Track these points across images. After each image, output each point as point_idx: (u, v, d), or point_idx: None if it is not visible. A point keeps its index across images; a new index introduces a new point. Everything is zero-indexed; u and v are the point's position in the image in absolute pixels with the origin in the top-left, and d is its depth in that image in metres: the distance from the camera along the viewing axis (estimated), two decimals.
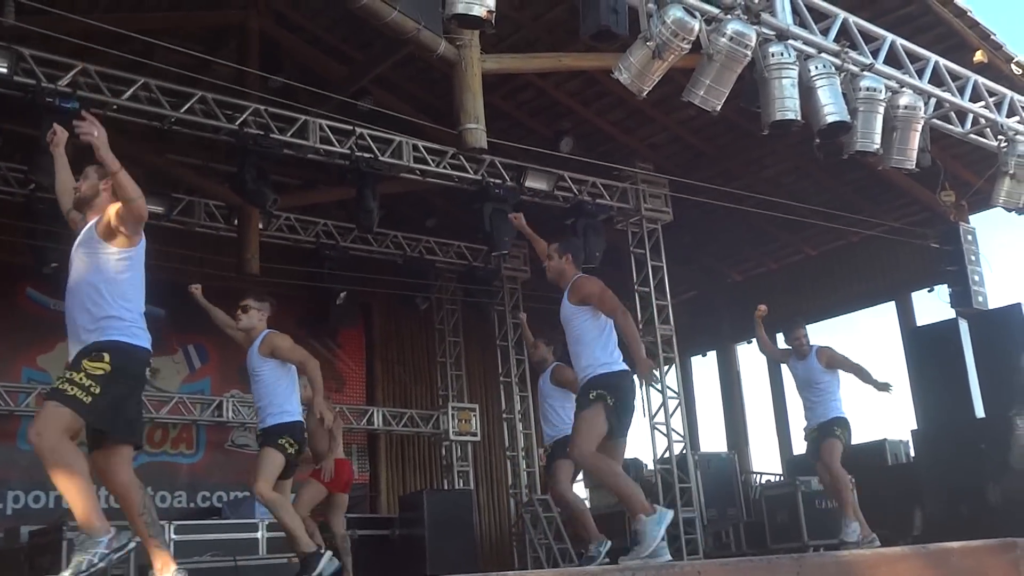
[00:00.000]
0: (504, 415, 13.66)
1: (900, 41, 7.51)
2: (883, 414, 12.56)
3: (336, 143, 10.01)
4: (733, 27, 5.87)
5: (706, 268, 14.65)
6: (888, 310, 13.11)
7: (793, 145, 11.44)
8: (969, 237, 11.42)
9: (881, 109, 6.85)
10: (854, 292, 13.18)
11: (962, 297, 11.21)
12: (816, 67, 6.45)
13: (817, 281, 13.52)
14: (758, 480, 13.30)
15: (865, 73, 6.85)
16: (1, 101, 8.86)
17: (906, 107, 7.07)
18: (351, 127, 10.06)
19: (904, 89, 7.20)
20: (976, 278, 11.27)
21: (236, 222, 11.13)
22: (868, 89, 6.78)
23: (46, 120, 8.01)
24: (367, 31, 10.46)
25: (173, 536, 9.31)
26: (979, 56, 9.61)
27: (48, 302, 11.64)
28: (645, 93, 5.91)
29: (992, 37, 9.86)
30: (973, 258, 11.36)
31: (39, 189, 9.37)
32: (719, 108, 6.05)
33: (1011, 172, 8.11)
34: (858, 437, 12.31)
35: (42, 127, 8.02)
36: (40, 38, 7.91)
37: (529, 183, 11.12)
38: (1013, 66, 9.93)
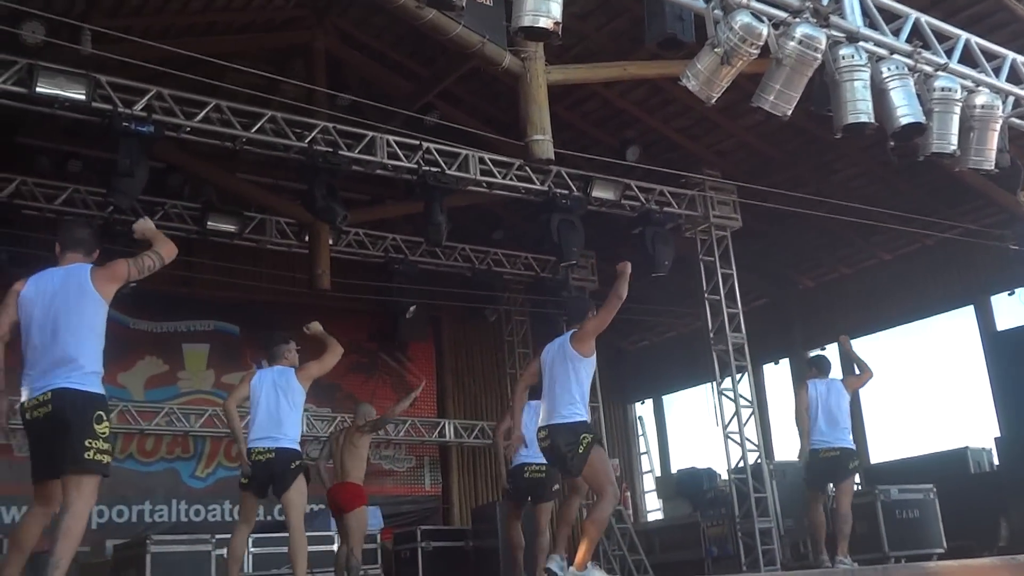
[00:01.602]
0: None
1: (975, 39, 7.33)
2: (964, 421, 12.16)
3: (403, 158, 10.10)
4: (802, 30, 5.78)
5: (777, 275, 14.44)
6: (967, 314, 12.77)
7: (864, 148, 11.26)
8: None
9: (957, 109, 6.68)
10: (931, 296, 12.87)
11: None
12: (888, 68, 6.32)
13: (892, 286, 13.24)
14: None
15: (939, 73, 6.69)
16: (79, 127, 9.16)
17: (983, 106, 6.89)
18: (418, 142, 10.15)
19: (980, 88, 7.01)
20: None
21: (307, 239, 11.31)
22: (943, 89, 6.62)
23: (123, 144, 8.26)
24: (431, 46, 10.58)
25: (251, 548, 9.50)
26: None
27: (128, 321, 11.96)
28: (714, 100, 5.85)
29: None
30: None
31: (117, 211, 9.62)
32: (789, 113, 5.97)
33: None
34: (938, 445, 12.10)
35: (119, 151, 8.26)
36: (116, 65, 8.13)
37: (596, 193, 11.09)
38: None
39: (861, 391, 13.79)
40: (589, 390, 6.12)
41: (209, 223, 10.77)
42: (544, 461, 6.98)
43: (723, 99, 6.68)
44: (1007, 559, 6.77)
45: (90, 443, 4.30)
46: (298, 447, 6.76)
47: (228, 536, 9.60)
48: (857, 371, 8.85)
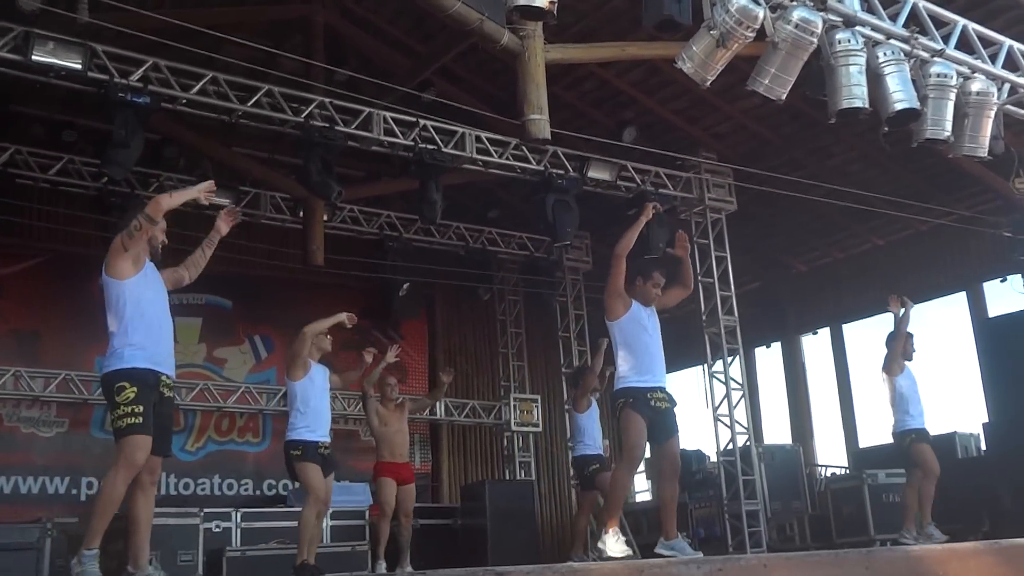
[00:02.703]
0: (566, 406, 13.65)
1: (972, 25, 7.33)
2: (953, 406, 12.21)
3: (400, 135, 10.08)
4: (799, 14, 5.78)
5: (771, 258, 14.46)
6: (959, 300, 12.82)
7: (860, 133, 11.26)
8: None
9: (952, 95, 6.69)
10: (923, 282, 12.88)
11: None
12: (884, 53, 6.32)
13: (885, 271, 13.26)
14: (823, 473, 13.15)
15: (935, 59, 6.70)
16: (75, 96, 9.12)
17: (978, 93, 6.90)
18: (415, 119, 10.12)
19: (976, 75, 7.02)
20: None
21: (301, 214, 11.30)
22: (939, 75, 6.63)
23: (119, 115, 8.23)
24: (430, 23, 10.54)
25: (241, 523, 9.55)
26: None
27: None
28: (709, 83, 5.85)
29: None
30: None
31: (111, 183, 9.61)
32: (784, 97, 5.97)
33: None
34: (928, 430, 12.15)
35: (115, 121, 8.23)
36: (113, 34, 8.09)
37: (592, 173, 11.09)
38: None
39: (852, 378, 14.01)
40: (630, 353, 5.95)
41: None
42: None
43: (720, 81, 6.68)
44: (991, 543, 6.80)
45: (113, 412, 4.72)
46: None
47: (217, 510, 9.74)
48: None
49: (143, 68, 8.61)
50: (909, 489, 8.31)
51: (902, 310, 8.51)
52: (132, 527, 4.93)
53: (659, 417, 5.89)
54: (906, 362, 8.50)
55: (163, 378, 4.86)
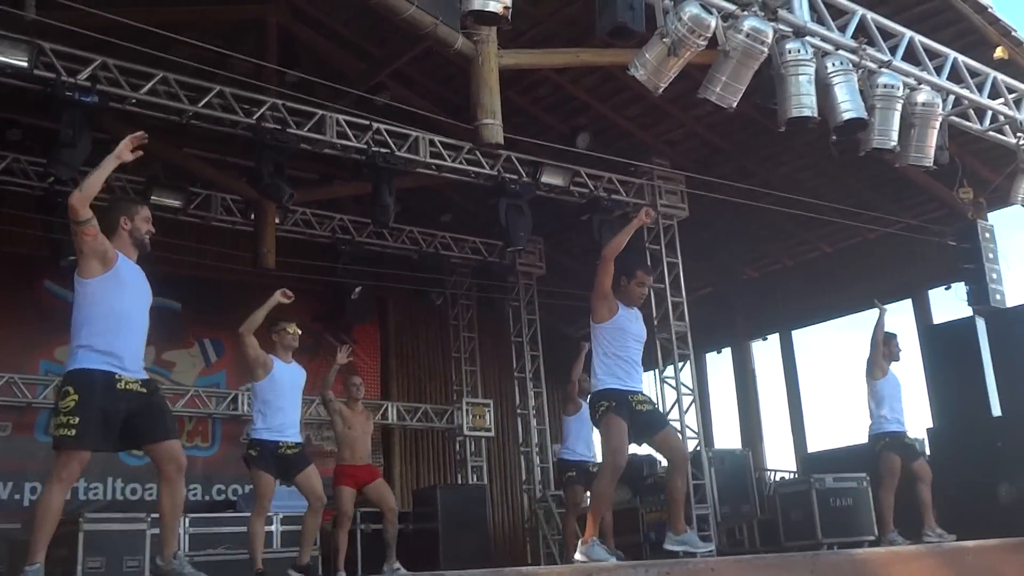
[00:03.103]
0: (518, 411, 13.70)
1: (919, 38, 7.47)
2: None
3: (353, 138, 10.04)
4: (750, 23, 5.85)
5: (722, 264, 14.59)
6: (905, 307, 13.04)
7: (810, 142, 11.41)
8: (987, 235, 11.31)
9: (899, 106, 6.82)
10: (870, 289, 12.97)
11: (979, 295, 11.10)
12: (833, 64, 6.43)
13: (833, 278, 13.47)
14: (772, 477, 13.28)
15: (883, 70, 6.82)
16: (21, 95, 8.95)
17: (924, 104, 7.04)
18: (368, 122, 10.08)
19: (922, 86, 7.16)
20: (994, 276, 11.17)
21: (252, 216, 11.20)
22: (886, 86, 6.75)
23: (66, 114, 8.10)
24: (384, 26, 10.49)
25: (189, 528, 9.42)
26: (999, 52, 9.54)
27: (66, 294, 11.67)
28: (661, 90, 5.90)
29: (1013, 33, 9.77)
30: (991, 256, 11.25)
31: (57, 182, 9.43)
32: (735, 105, 6.04)
33: None
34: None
35: (62, 120, 8.10)
36: (60, 32, 7.95)
37: (545, 179, 11.13)
38: None
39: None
40: (613, 357, 5.87)
41: (153, 197, 10.57)
42: None
43: (674, 89, 6.74)
44: (933, 546, 6.95)
45: (54, 419, 4.61)
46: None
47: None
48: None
49: (91, 67, 8.48)
50: (880, 492, 8.35)
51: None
52: (160, 519, 4.84)
53: (643, 417, 5.85)
54: (892, 364, 8.51)
55: (121, 376, 4.65)
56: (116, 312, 4.66)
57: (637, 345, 5.97)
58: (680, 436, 6.09)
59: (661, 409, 11.57)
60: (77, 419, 4.43)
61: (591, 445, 9.48)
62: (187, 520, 9.46)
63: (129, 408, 4.63)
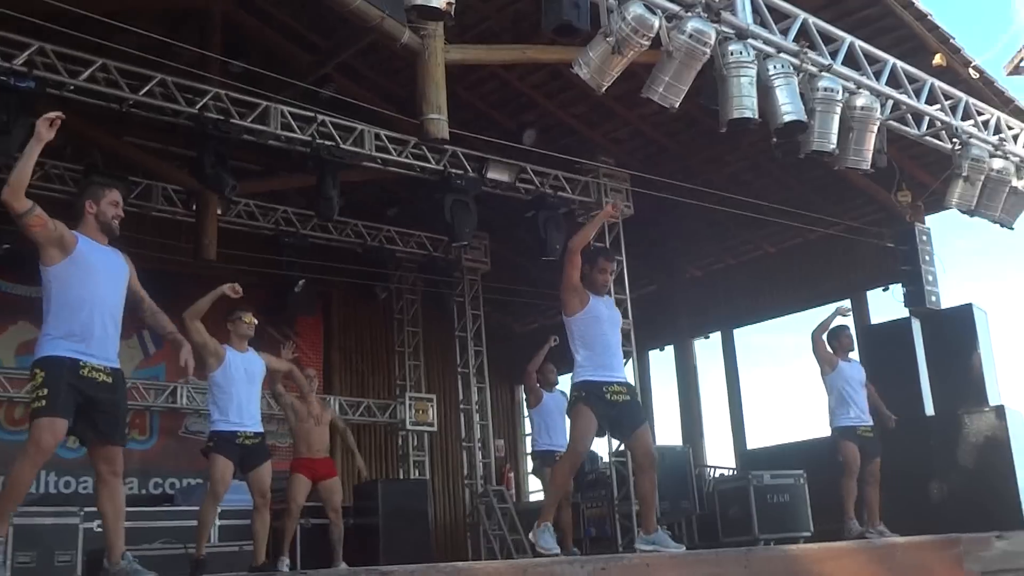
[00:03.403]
0: (461, 406, 13.69)
1: (859, 43, 7.59)
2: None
3: (297, 130, 9.94)
4: (693, 25, 5.90)
5: (666, 263, 14.72)
6: None
7: (754, 143, 11.52)
8: (924, 237, 11.56)
9: (838, 110, 6.92)
10: (811, 290, 13.32)
11: (916, 296, 11.34)
12: (775, 67, 6.51)
13: (775, 278, 13.66)
14: (712, 474, 13.42)
15: (823, 74, 6.92)
16: None
17: (863, 108, 7.15)
18: (313, 114, 10.00)
19: (861, 90, 7.28)
20: (930, 278, 11.42)
21: (194, 207, 11.04)
22: (826, 89, 6.85)
23: (1, 99, 7.92)
24: (331, 18, 10.41)
25: (124, 523, 9.26)
26: (938, 59, 9.73)
27: (1, 284, 11.53)
28: (604, 89, 5.93)
29: (951, 41, 9.98)
30: (927, 258, 11.50)
31: None
32: (677, 105, 6.09)
33: (964, 175, 8.24)
34: (811, 432, 12.54)
35: None
36: None
37: (491, 175, 11.11)
38: (971, 70, 10.08)
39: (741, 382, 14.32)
40: (586, 347, 5.91)
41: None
42: None
43: (620, 88, 6.78)
44: (864, 543, 7.06)
45: (30, 404, 4.61)
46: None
47: (94, 509, 9.41)
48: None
49: (28, 52, 8.30)
50: (842, 480, 8.44)
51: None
52: (102, 522, 4.84)
53: (617, 411, 5.86)
54: (846, 358, 8.62)
55: (85, 363, 4.58)
56: (80, 298, 4.60)
57: (613, 330, 6.03)
58: (652, 436, 6.08)
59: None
60: (47, 390, 4.44)
61: (559, 434, 9.39)
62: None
63: (90, 397, 4.58)
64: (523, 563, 5.20)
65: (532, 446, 9.68)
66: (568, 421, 9.29)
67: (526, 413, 16.71)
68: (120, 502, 4.85)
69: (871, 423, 8.58)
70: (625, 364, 11.68)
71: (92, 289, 4.64)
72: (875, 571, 6.14)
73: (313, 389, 8.79)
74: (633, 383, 11.76)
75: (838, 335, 8.66)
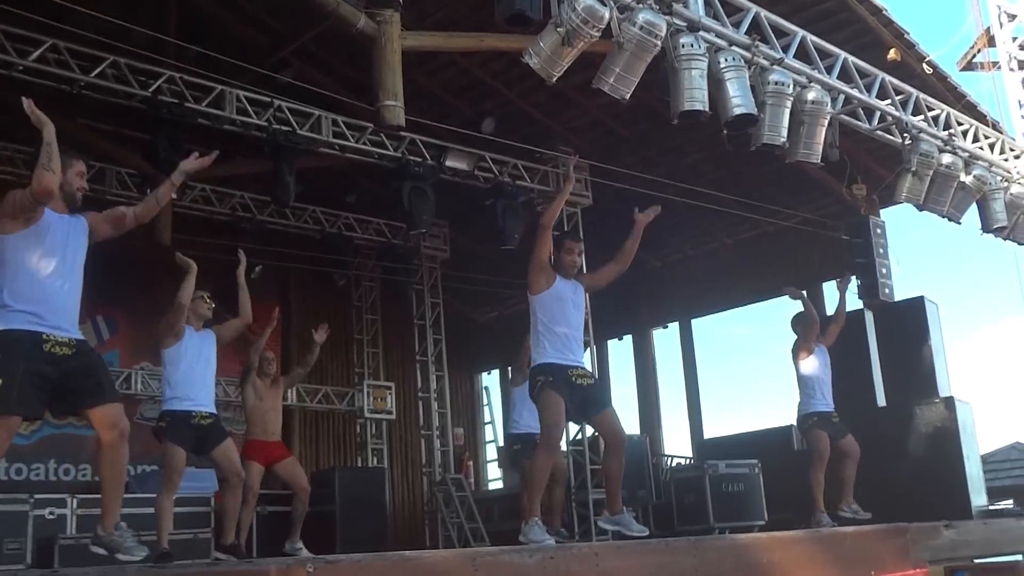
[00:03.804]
0: (420, 394, 13.66)
1: (811, 37, 7.64)
2: (791, 400, 12.76)
3: (253, 115, 9.86)
4: (644, 16, 5.91)
5: None
6: None
7: (712, 134, 11.42)
8: (878, 231, 11.66)
9: (789, 103, 6.96)
10: (768, 281, 13.40)
11: (870, 289, 11.44)
12: (725, 59, 6.53)
13: (732, 269, 13.76)
14: (669, 463, 13.53)
15: (774, 67, 6.95)
16: None
17: (813, 102, 7.20)
18: (270, 99, 9.92)
19: (812, 84, 7.33)
20: (884, 271, 11.52)
21: (149, 191, 10.90)
22: (776, 83, 6.88)
23: None
24: (289, 2, 10.32)
25: (76, 510, 9.19)
26: (892, 54, 9.84)
27: None
28: (555, 79, 5.94)
29: (905, 36, 10.08)
30: (882, 251, 11.60)
31: None
32: (628, 96, 6.10)
33: (913, 169, 8.33)
34: (766, 423, 12.67)
35: None
36: None
37: (449, 163, 11.09)
38: (924, 65, 10.19)
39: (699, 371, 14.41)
40: (549, 329, 5.87)
41: None
42: None
43: (579, 77, 6.77)
44: (812, 532, 7.16)
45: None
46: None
47: (50, 496, 9.33)
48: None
49: None
50: (811, 471, 8.45)
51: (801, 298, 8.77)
52: (101, 487, 4.68)
53: (583, 394, 5.83)
54: (818, 345, 8.66)
55: (48, 337, 4.41)
56: (44, 268, 4.50)
57: (577, 314, 6.00)
58: (618, 417, 6.08)
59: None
60: (0, 382, 4.24)
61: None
62: (75, 501, 9.25)
63: (61, 370, 4.42)
64: (471, 552, 5.21)
65: (509, 428, 9.52)
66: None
67: (486, 401, 16.83)
68: (121, 467, 4.69)
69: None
70: (584, 353, 11.84)
71: (58, 259, 4.55)
72: (823, 560, 6.23)
73: (271, 372, 8.72)
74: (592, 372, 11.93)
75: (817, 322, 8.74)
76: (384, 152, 10.75)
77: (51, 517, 9.05)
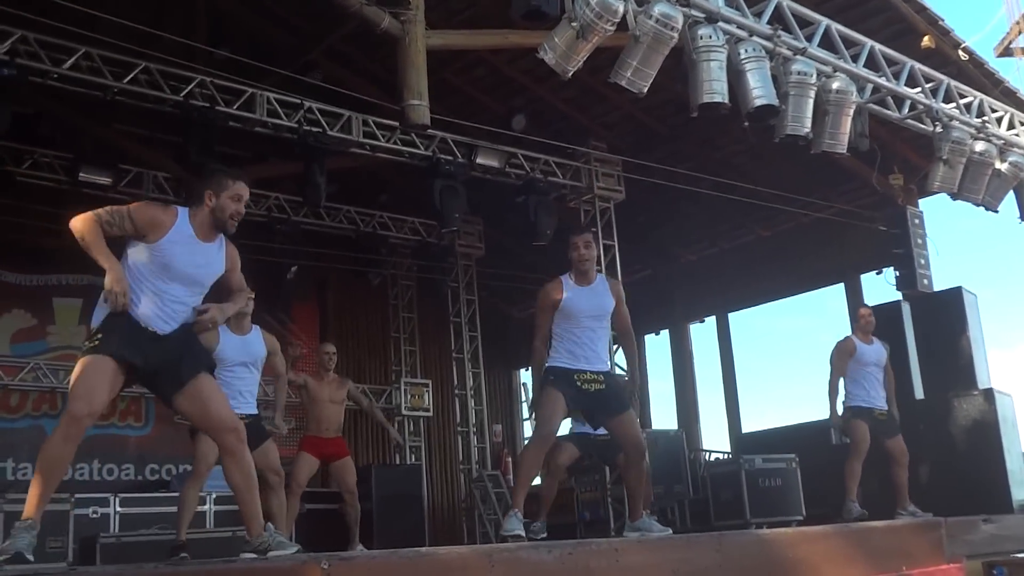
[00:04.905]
0: (456, 391, 13.72)
1: (836, 26, 7.53)
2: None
3: (284, 116, 9.96)
4: (660, 9, 5.86)
5: (660, 247, 14.68)
6: (838, 291, 13.23)
7: (744, 127, 11.46)
8: (916, 220, 11.49)
9: (812, 93, 6.87)
10: (805, 273, 13.29)
11: (908, 280, 11.29)
12: (745, 50, 6.46)
13: (769, 262, 13.61)
14: (706, 458, 13.43)
15: (797, 57, 6.87)
16: None
17: (838, 91, 7.09)
18: (299, 101, 10.01)
19: (837, 73, 7.22)
20: (922, 261, 11.36)
21: (184, 194, 11.07)
22: (799, 73, 6.80)
23: None
24: (315, 4, 10.38)
25: (119, 509, 9.36)
26: (927, 42, 9.67)
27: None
28: (570, 73, 5.91)
29: (940, 23, 9.91)
30: (920, 241, 11.44)
31: None
32: (645, 90, 6.06)
33: (945, 157, 8.18)
34: (804, 416, 12.53)
35: None
36: None
37: (480, 160, 11.12)
38: (960, 52, 10.00)
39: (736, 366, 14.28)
40: (560, 340, 5.88)
41: (81, 174, 10.42)
42: None
43: (609, 72, 6.67)
44: (841, 526, 7.06)
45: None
46: None
47: (94, 495, 9.49)
48: None
49: (10, 40, 8.33)
50: (847, 461, 8.37)
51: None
52: (235, 496, 4.52)
53: (590, 399, 5.81)
54: (867, 340, 8.51)
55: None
56: (141, 288, 4.39)
57: (591, 322, 5.89)
58: (637, 423, 6.02)
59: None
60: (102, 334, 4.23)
61: None
62: (118, 500, 9.42)
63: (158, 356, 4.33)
64: (488, 548, 5.23)
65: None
66: None
67: (524, 398, 16.82)
68: (249, 471, 4.45)
69: (886, 407, 8.47)
70: (617, 350, 11.77)
71: (158, 284, 4.35)
72: (852, 555, 6.15)
73: (331, 367, 8.69)
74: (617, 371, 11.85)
75: (856, 317, 8.66)
76: (415, 151, 10.80)
77: (95, 516, 9.24)
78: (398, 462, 13.54)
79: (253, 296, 7.04)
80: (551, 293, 5.95)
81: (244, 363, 6.91)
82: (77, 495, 9.03)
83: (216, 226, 4.52)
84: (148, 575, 3.64)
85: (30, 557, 3.89)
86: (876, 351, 8.58)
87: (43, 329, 12.06)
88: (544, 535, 6.38)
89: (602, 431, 6.69)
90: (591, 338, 5.91)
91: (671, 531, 6.04)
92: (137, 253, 4.36)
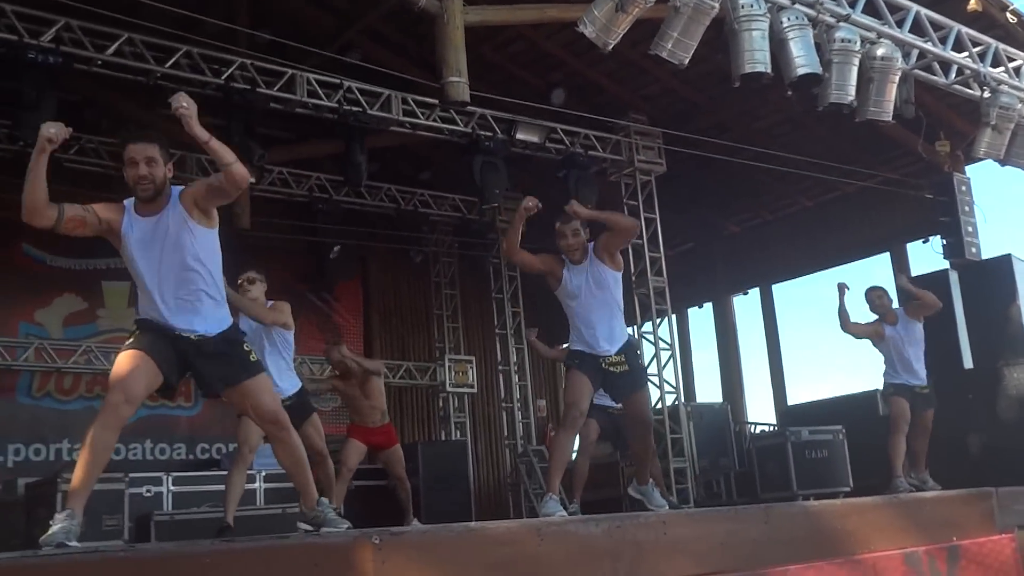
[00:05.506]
0: (500, 367, 13.77)
1: None
2: (875, 365, 12.53)
3: (324, 97, 10.01)
4: None
5: (702, 219, 14.59)
6: (883, 261, 13.09)
7: (786, 96, 11.32)
8: (963, 188, 11.32)
9: (856, 60, 6.77)
10: (850, 243, 13.14)
11: (955, 248, 11.14)
12: (788, 19, 6.39)
13: (813, 232, 13.49)
14: (752, 430, 13.39)
15: (840, 24, 6.78)
16: None
17: (883, 58, 6.99)
18: (339, 80, 10.05)
19: (881, 40, 7.11)
20: (969, 229, 11.20)
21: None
22: (843, 40, 6.70)
23: (27, 76, 8.07)
24: None
25: (171, 487, 9.52)
26: (973, 4, 9.47)
27: (44, 257, 11.80)
28: (611, 47, 5.88)
29: None
30: (967, 209, 11.27)
31: (28, 145, 9.40)
32: (687, 61, 6.02)
33: (993, 123, 8.03)
34: (851, 387, 12.43)
35: (24, 83, 8.07)
36: None
37: (520, 135, 11.11)
38: (1008, 14, 9.80)
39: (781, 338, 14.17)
40: (571, 322, 5.83)
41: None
42: None
43: (649, 44, 6.62)
44: (890, 497, 7.01)
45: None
46: None
47: (147, 474, 9.67)
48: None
49: (55, 28, 8.46)
50: (890, 437, 8.28)
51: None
52: (288, 475, 4.71)
53: (612, 379, 5.79)
54: (892, 320, 8.39)
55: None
56: (138, 281, 4.36)
57: (594, 302, 5.75)
58: (647, 401, 6.01)
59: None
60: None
61: None
62: (170, 479, 9.58)
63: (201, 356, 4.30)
64: (537, 522, 5.25)
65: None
66: None
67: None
68: (297, 453, 4.54)
69: (926, 383, 8.36)
70: (660, 323, 11.76)
71: (143, 271, 4.26)
72: (901, 525, 6.09)
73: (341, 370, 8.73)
74: (669, 342, 11.83)
75: (868, 300, 8.46)
76: (454, 128, 10.82)
77: (148, 495, 9.37)
78: (444, 438, 13.64)
79: (262, 279, 7.07)
80: (554, 264, 5.89)
81: (267, 347, 6.86)
82: (131, 474, 9.18)
83: (136, 196, 4.26)
84: (206, 551, 3.70)
85: (71, 543, 3.92)
86: (906, 328, 8.40)
87: (93, 312, 12.25)
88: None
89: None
90: (602, 316, 5.78)
91: (667, 505, 6.09)
92: (122, 254, 4.33)
